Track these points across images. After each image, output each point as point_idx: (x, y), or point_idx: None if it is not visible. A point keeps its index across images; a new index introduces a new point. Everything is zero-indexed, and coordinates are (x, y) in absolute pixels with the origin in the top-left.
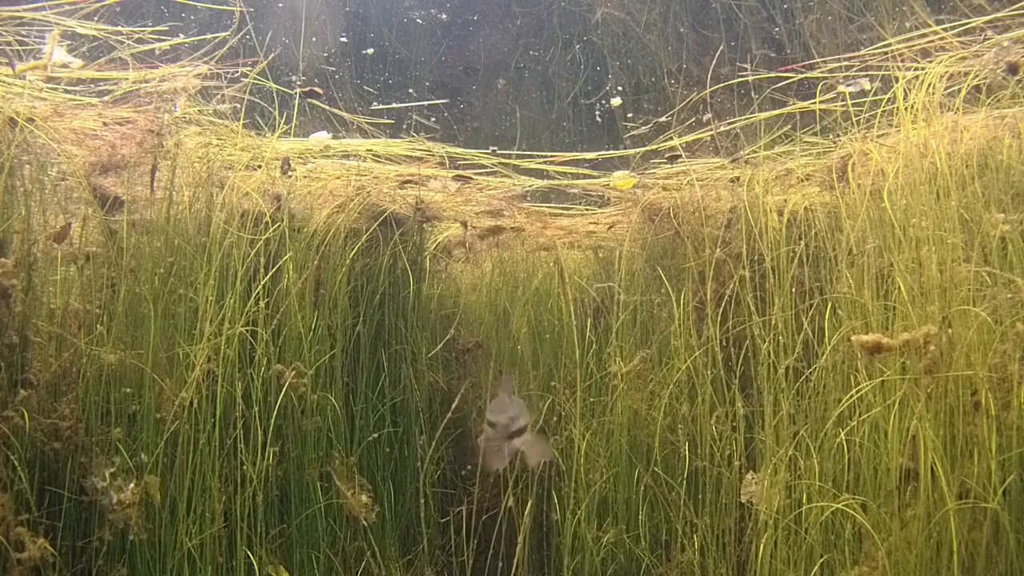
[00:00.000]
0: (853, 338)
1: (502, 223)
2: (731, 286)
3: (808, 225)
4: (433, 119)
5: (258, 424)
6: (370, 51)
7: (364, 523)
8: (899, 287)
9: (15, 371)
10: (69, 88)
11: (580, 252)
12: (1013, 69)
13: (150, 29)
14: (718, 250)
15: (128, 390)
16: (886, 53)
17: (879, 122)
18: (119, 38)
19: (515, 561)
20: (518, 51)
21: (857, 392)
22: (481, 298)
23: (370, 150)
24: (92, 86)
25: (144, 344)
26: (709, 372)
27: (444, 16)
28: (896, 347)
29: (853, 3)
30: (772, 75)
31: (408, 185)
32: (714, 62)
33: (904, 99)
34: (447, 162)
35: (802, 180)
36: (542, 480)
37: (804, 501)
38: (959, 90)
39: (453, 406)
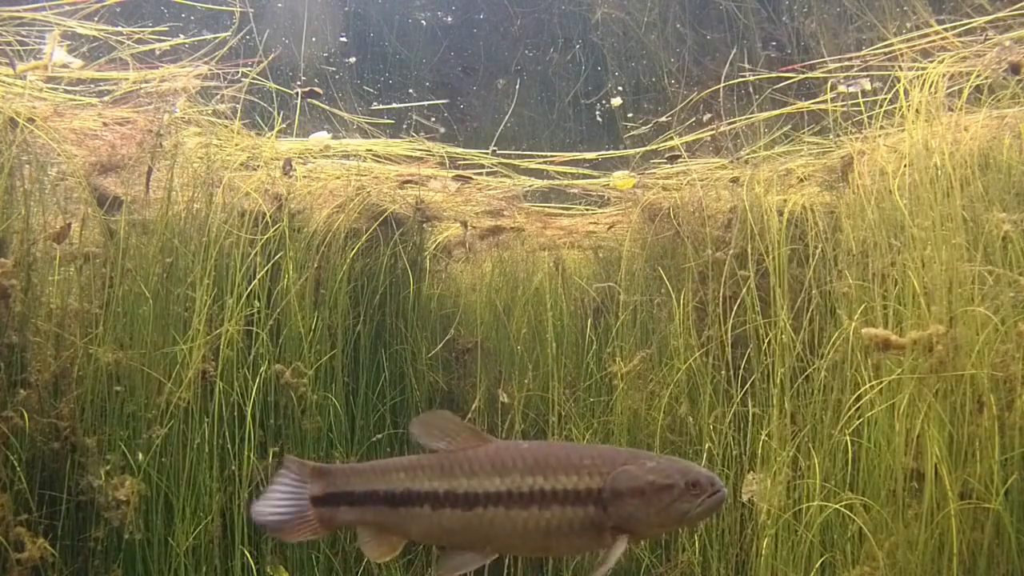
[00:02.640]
0: (863, 331)
1: (502, 223)
2: (732, 286)
3: (809, 224)
4: (433, 119)
5: (257, 424)
6: (352, 60)
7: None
8: (902, 286)
9: (14, 371)
10: (69, 88)
11: (580, 252)
12: (1015, 69)
13: (150, 29)
14: (720, 251)
15: (119, 388)
16: (887, 53)
17: (880, 122)
18: (119, 38)
19: (515, 560)
20: (518, 51)
21: (862, 391)
22: (481, 298)
23: (370, 150)
24: (92, 86)
25: (141, 344)
26: (710, 372)
27: (444, 15)
28: (905, 345)
29: (853, 3)
30: (772, 75)
31: (408, 185)
32: (714, 62)
33: (906, 99)
34: (447, 162)
35: (802, 180)
36: None
37: (805, 500)
38: (960, 90)
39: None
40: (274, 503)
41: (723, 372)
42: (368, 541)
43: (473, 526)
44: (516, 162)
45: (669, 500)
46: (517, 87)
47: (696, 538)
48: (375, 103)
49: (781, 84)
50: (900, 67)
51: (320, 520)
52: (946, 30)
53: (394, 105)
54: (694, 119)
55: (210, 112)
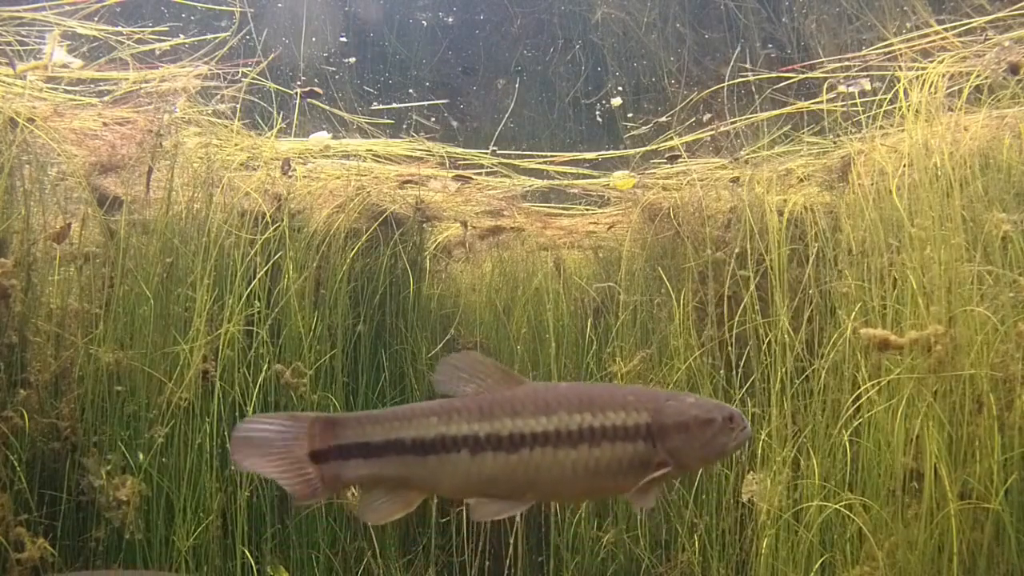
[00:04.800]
0: (862, 331)
1: (502, 223)
2: (732, 286)
3: (809, 224)
4: (433, 119)
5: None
6: (352, 60)
7: (364, 523)
8: (901, 286)
9: (14, 371)
10: (69, 88)
11: (580, 252)
12: (1014, 69)
13: (150, 29)
14: (720, 251)
15: (120, 388)
16: (887, 53)
17: (880, 122)
18: (119, 38)
19: (515, 561)
20: (518, 51)
21: (862, 391)
22: (481, 298)
23: (370, 150)
24: (92, 86)
25: (142, 343)
26: (709, 372)
27: (444, 15)
28: (904, 345)
29: (853, 3)
30: (772, 75)
31: (408, 185)
32: (715, 62)
33: (905, 99)
34: (447, 162)
35: (802, 180)
36: None
37: (804, 500)
38: (960, 90)
39: None
40: (264, 456)
41: (722, 372)
42: (377, 499)
43: (517, 470)
44: (516, 162)
45: (711, 434)
46: (517, 87)
47: (696, 538)
48: (375, 103)
49: (781, 84)
50: (900, 67)
51: (323, 480)
52: (946, 30)
53: (394, 105)
54: (694, 119)
55: (210, 112)
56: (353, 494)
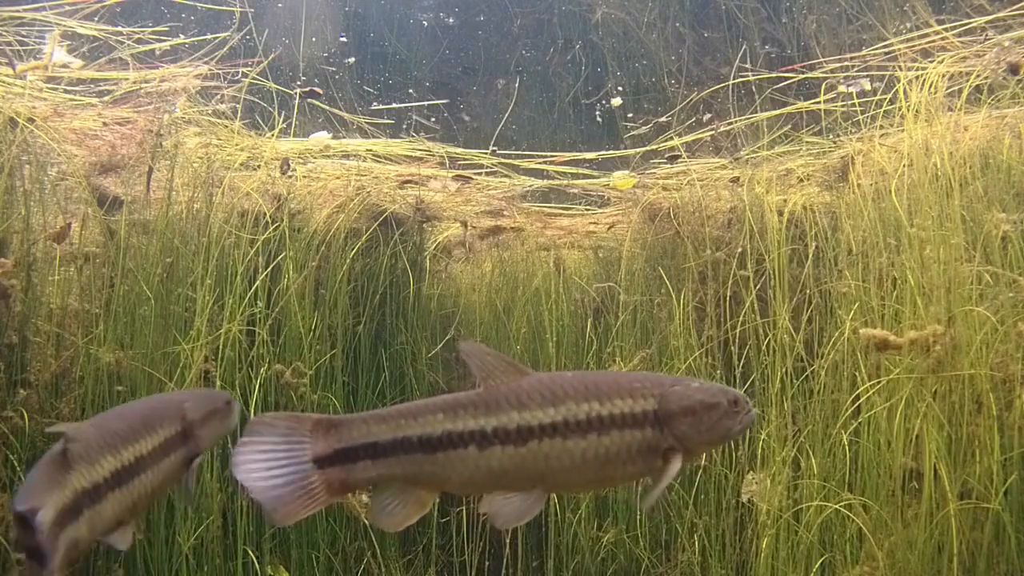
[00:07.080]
0: (862, 331)
1: (502, 223)
2: (732, 286)
3: (809, 224)
4: (433, 119)
5: None
6: (352, 60)
7: (364, 523)
8: (901, 286)
9: (14, 371)
10: (69, 88)
11: (580, 252)
12: (1014, 69)
13: (150, 29)
14: (720, 251)
15: (120, 388)
16: (887, 53)
17: (880, 122)
18: (119, 38)
19: (515, 561)
20: (518, 51)
21: (861, 391)
22: (481, 298)
23: (370, 150)
24: (92, 86)
25: (143, 344)
26: (709, 372)
27: (445, 16)
28: (903, 345)
29: (853, 3)
30: (772, 75)
31: (408, 185)
32: (715, 62)
33: (905, 99)
34: (447, 162)
35: (802, 180)
36: None
37: (804, 500)
38: (960, 90)
39: None
40: (263, 472)
41: (721, 372)
42: (390, 504)
43: (527, 463)
44: (516, 162)
45: (717, 418)
46: (517, 87)
47: (696, 538)
48: (375, 103)
49: (781, 84)
50: (900, 67)
51: (328, 485)
52: (946, 30)
53: (394, 105)
54: (694, 119)
55: (210, 112)
56: (354, 493)
